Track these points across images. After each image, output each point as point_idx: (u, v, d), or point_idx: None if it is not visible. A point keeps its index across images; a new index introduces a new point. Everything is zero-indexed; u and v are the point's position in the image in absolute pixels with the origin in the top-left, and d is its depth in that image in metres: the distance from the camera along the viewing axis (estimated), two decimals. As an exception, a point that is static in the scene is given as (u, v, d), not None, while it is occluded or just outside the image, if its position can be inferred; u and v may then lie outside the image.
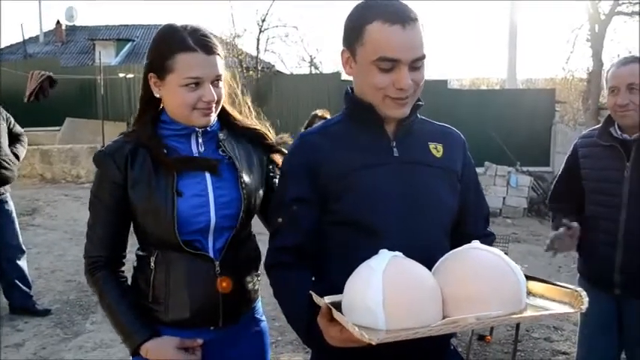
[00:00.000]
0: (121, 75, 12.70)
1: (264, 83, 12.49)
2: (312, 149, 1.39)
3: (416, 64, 1.29)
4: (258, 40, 13.30)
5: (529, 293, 1.21)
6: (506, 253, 1.23)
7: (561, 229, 2.22)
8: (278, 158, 1.68)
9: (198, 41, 1.44)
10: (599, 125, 2.29)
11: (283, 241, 1.39)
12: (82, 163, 10.75)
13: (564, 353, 3.96)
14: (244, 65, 12.69)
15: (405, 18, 1.26)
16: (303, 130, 2.97)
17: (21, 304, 4.39)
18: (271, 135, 1.69)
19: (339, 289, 1.19)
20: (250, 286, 1.63)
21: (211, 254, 1.52)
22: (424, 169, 1.38)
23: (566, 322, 4.40)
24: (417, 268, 1.16)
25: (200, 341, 1.51)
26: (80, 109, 12.86)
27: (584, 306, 1.11)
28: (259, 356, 1.69)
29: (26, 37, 22.52)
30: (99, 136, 11.18)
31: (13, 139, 4.33)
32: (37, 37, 24.04)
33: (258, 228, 1.69)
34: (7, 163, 4.15)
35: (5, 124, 4.24)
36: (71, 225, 7.22)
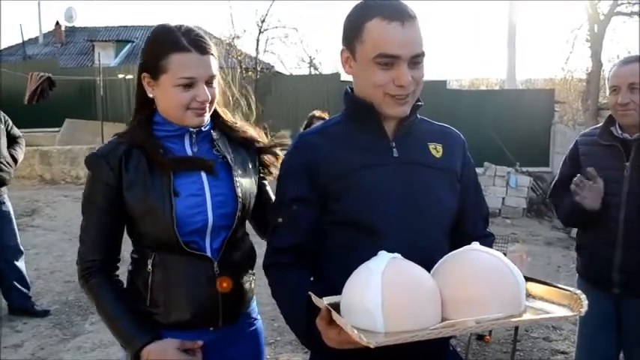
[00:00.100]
0: (121, 76, 12.70)
1: (263, 84, 12.49)
2: (311, 149, 1.39)
3: (415, 60, 1.29)
4: (257, 40, 13.30)
5: (528, 295, 1.21)
6: (505, 254, 1.23)
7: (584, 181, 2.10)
8: (269, 159, 1.68)
9: (192, 41, 1.43)
10: (600, 124, 2.29)
11: (282, 240, 1.39)
12: (82, 164, 10.65)
13: (563, 353, 3.96)
14: (244, 66, 12.68)
15: (404, 15, 1.27)
16: (302, 131, 2.97)
17: (20, 304, 4.39)
18: (263, 137, 1.68)
19: (338, 290, 1.19)
20: (247, 285, 1.63)
21: (209, 254, 1.51)
22: (424, 170, 1.38)
23: (565, 321, 4.40)
24: (415, 269, 1.16)
25: (200, 343, 1.50)
26: (79, 110, 12.86)
27: (584, 309, 1.11)
28: (256, 355, 1.69)
29: (25, 39, 22.50)
30: (98, 137, 11.18)
31: (11, 141, 4.32)
32: (36, 39, 24.03)
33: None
34: (4, 165, 4.15)
35: (3, 126, 4.23)
36: (70, 226, 7.21)
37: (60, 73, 12.69)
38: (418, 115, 1.45)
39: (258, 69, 12.79)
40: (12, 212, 4.32)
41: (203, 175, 1.51)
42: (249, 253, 1.66)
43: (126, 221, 1.52)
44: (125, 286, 1.56)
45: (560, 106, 13.14)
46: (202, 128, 1.53)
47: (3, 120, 4.26)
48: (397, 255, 1.16)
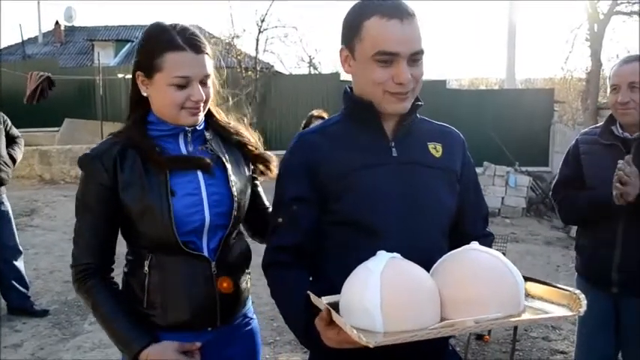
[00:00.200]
0: (120, 76, 12.68)
1: (263, 83, 12.50)
2: (311, 149, 1.39)
3: (414, 58, 1.29)
4: (257, 40, 13.29)
5: (527, 295, 1.21)
6: (504, 253, 1.23)
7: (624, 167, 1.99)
8: (261, 167, 1.67)
9: (187, 40, 1.43)
10: (601, 124, 2.29)
11: (281, 240, 1.39)
12: (81, 163, 10.70)
13: (562, 352, 3.96)
14: (243, 65, 12.68)
15: (402, 12, 1.27)
16: (301, 130, 2.97)
17: (19, 304, 4.39)
18: (255, 139, 1.68)
19: (337, 290, 1.19)
20: (244, 285, 1.63)
21: (206, 254, 1.51)
22: (423, 170, 1.38)
23: (564, 321, 4.40)
24: (414, 269, 1.15)
25: (199, 344, 1.49)
26: (79, 110, 12.85)
27: (583, 309, 1.11)
28: (252, 354, 1.70)
29: (25, 38, 22.50)
30: (98, 137, 11.14)
31: (10, 141, 4.32)
32: (35, 38, 24.04)
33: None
34: (2, 165, 4.15)
35: (2, 126, 4.23)
36: (70, 226, 7.13)
37: (59, 73, 12.68)
38: (418, 115, 1.45)
39: (258, 68, 12.79)
40: (11, 212, 4.32)
41: (199, 174, 1.51)
42: (245, 252, 1.66)
43: (121, 222, 1.50)
44: (120, 288, 1.55)
45: (560, 105, 13.14)
46: (197, 127, 1.53)
47: (2, 120, 4.25)
48: (396, 255, 1.16)
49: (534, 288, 1.23)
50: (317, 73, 15.37)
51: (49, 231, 7.16)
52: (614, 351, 2.32)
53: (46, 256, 6.05)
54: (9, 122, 4.34)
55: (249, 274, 1.67)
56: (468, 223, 1.48)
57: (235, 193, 1.53)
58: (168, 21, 1.48)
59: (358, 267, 1.17)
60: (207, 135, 1.57)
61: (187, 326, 1.50)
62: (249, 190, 1.62)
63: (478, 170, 9.42)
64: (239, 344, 1.64)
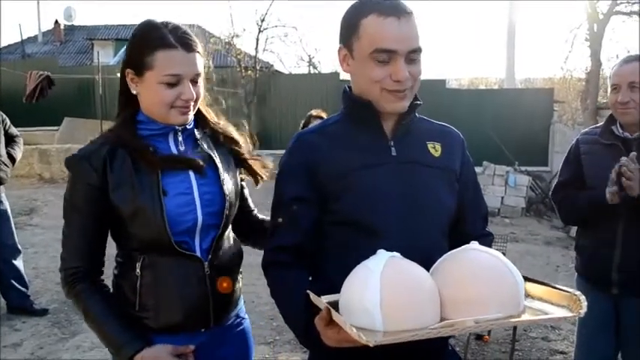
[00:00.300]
0: (120, 75, 12.66)
1: (262, 83, 12.49)
2: (310, 149, 1.38)
3: (412, 56, 1.30)
4: (257, 39, 13.27)
5: (527, 295, 1.21)
6: (504, 253, 1.23)
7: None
8: (250, 170, 1.67)
9: (179, 39, 1.41)
10: (601, 124, 2.30)
11: (281, 240, 1.39)
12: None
13: (562, 352, 3.97)
14: (243, 65, 12.67)
15: (399, 11, 1.28)
16: (300, 130, 2.97)
17: (18, 303, 4.39)
18: (244, 141, 1.67)
19: (337, 289, 1.19)
20: (236, 285, 1.62)
21: (199, 255, 1.49)
22: (423, 169, 1.38)
23: (564, 321, 4.40)
24: (414, 269, 1.15)
25: (192, 347, 1.48)
26: (79, 109, 12.83)
27: (583, 310, 1.11)
28: (245, 354, 1.69)
29: (24, 37, 22.49)
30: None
31: (9, 140, 4.32)
32: (35, 37, 24.01)
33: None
34: (1, 164, 4.14)
35: (1, 125, 4.23)
36: (69, 225, 7.19)
37: (59, 72, 12.67)
38: (417, 114, 1.45)
39: (258, 68, 12.78)
40: (9, 211, 4.32)
41: (191, 173, 1.49)
42: (237, 252, 1.65)
43: (111, 224, 1.48)
44: (111, 291, 1.53)
45: (560, 105, 13.13)
46: (187, 126, 1.51)
47: (1, 119, 4.25)
48: (396, 254, 1.16)
49: (534, 288, 1.23)
50: (316, 72, 15.38)
51: (49, 230, 7.15)
52: (614, 351, 2.32)
53: (46, 255, 6.04)
54: (8, 121, 4.34)
55: (240, 273, 1.66)
56: (468, 223, 1.48)
57: (227, 192, 1.52)
58: (160, 19, 1.46)
59: (358, 266, 1.17)
60: (197, 134, 1.55)
61: (180, 328, 1.49)
62: (238, 190, 1.62)
63: (477, 170, 9.43)
64: (232, 344, 1.63)
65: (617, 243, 2.16)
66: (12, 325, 4.21)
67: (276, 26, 13.78)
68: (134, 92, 1.47)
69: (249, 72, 12.43)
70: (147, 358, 1.40)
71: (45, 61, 16.07)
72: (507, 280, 1.14)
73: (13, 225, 4.38)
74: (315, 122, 3.55)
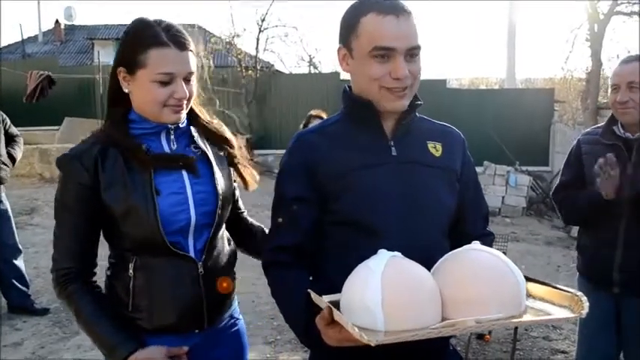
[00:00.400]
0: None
1: (263, 82, 12.49)
2: (310, 149, 1.38)
3: (411, 53, 1.30)
4: (257, 39, 13.26)
5: (529, 295, 1.21)
6: (505, 253, 1.23)
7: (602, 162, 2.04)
8: (235, 174, 1.65)
9: (172, 37, 1.40)
10: (603, 124, 2.30)
11: (281, 240, 1.39)
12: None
13: (563, 352, 3.96)
14: (243, 65, 12.67)
15: (398, 9, 1.28)
16: (301, 130, 2.97)
17: (19, 303, 4.39)
18: (237, 142, 1.65)
19: (337, 289, 1.19)
20: (229, 285, 1.60)
21: (192, 255, 1.48)
22: (423, 169, 1.38)
23: (565, 321, 4.40)
24: (415, 268, 1.15)
25: (186, 348, 1.46)
26: (79, 109, 12.82)
27: (585, 311, 1.11)
28: (240, 355, 1.68)
29: (25, 37, 22.48)
30: (98, 136, 11.14)
31: (9, 140, 4.31)
32: (35, 37, 24.03)
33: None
34: (1, 163, 4.14)
35: (1, 125, 4.22)
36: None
37: (59, 72, 12.66)
38: (417, 114, 1.45)
39: (258, 67, 12.77)
40: (10, 211, 4.32)
41: (184, 172, 1.48)
42: (231, 252, 1.63)
43: (103, 224, 1.46)
44: (103, 291, 1.51)
45: (560, 105, 13.13)
46: (180, 125, 1.50)
47: (1, 119, 4.25)
48: (397, 253, 1.16)
49: (536, 289, 1.23)
50: (317, 72, 15.36)
51: (49, 229, 7.04)
52: (615, 351, 2.32)
53: (46, 255, 6.02)
54: (8, 121, 4.34)
55: (234, 274, 1.65)
56: (469, 223, 1.48)
57: (220, 192, 1.51)
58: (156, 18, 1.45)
59: (359, 266, 1.17)
60: (193, 132, 1.54)
61: (174, 329, 1.47)
62: (232, 190, 1.60)
63: (478, 170, 9.41)
64: (226, 345, 1.61)
65: (619, 243, 2.16)
66: (13, 324, 4.22)
67: (276, 26, 13.77)
68: (126, 91, 1.45)
69: (250, 72, 12.43)
70: None
71: (45, 60, 16.07)
72: (508, 280, 1.14)
73: (13, 225, 4.38)
74: (315, 122, 3.55)
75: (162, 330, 1.46)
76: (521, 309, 1.14)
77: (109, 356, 1.42)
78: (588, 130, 2.42)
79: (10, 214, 4.33)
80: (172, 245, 1.43)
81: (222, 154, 1.60)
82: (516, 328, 3.56)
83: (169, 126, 1.48)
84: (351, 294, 1.14)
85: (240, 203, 1.76)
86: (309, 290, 1.19)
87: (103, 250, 1.52)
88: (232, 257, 1.64)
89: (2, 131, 4.21)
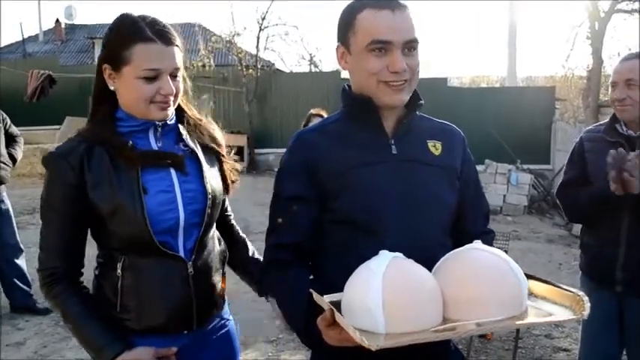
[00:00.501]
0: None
1: (263, 81, 12.49)
2: (310, 147, 1.38)
3: (409, 46, 1.30)
4: (258, 38, 13.26)
5: (531, 294, 1.21)
6: (506, 251, 1.23)
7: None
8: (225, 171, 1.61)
9: (157, 32, 1.37)
10: (606, 121, 2.30)
11: (281, 238, 1.39)
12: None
13: (565, 350, 3.96)
14: (244, 63, 12.67)
15: (393, 3, 1.29)
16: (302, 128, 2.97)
17: (21, 303, 4.39)
18: (224, 142, 1.62)
19: (337, 288, 1.19)
20: (220, 285, 1.58)
21: (182, 255, 1.45)
22: (423, 168, 1.38)
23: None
24: (416, 269, 1.15)
25: (175, 349, 1.44)
26: (80, 108, 12.74)
27: (586, 312, 1.10)
28: (230, 357, 1.65)
29: (25, 36, 22.48)
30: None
31: (10, 139, 4.31)
32: (36, 36, 24.02)
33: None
34: (2, 163, 4.14)
35: (1, 125, 4.22)
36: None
37: (60, 71, 12.67)
38: (417, 113, 1.45)
39: (259, 66, 12.77)
40: (11, 210, 4.32)
41: (172, 170, 1.45)
42: (222, 252, 1.61)
43: (91, 223, 1.43)
44: (91, 292, 1.48)
45: (561, 103, 13.12)
46: (168, 121, 1.47)
47: (1, 119, 4.24)
48: (398, 254, 1.16)
49: (538, 287, 1.23)
50: (318, 71, 15.37)
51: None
52: (618, 350, 2.32)
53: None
54: (8, 121, 4.33)
55: (224, 274, 1.62)
56: (469, 221, 1.47)
57: (209, 190, 1.48)
58: (136, 13, 1.42)
59: (360, 267, 1.17)
60: (182, 129, 1.52)
61: (163, 330, 1.45)
62: (222, 188, 1.57)
63: (480, 168, 9.42)
64: (216, 347, 1.59)
65: (622, 241, 2.15)
66: (15, 324, 4.22)
67: (277, 25, 13.77)
68: (112, 88, 1.42)
69: (251, 70, 12.43)
70: None
71: (46, 60, 16.09)
72: (510, 280, 1.14)
73: (15, 224, 4.38)
74: (316, 121, 3.55)
75: (150, 331, 1.44)
76: (522, 309, 1.14)
77: (96, 358, 1.40)
78: (591, 127, 2.42)
79: (12, 214, 4.33)
80: (161, 245, 1.40)
81: (211, 152, 1.57)
82: (518, 326, 3.56)
83: (157, 123, 1.45)
84: (352, 295, 1.14)
85: (228, 205, 1.74)
86: (311, 290, 1.19)
87: (91, 249, 1.49)
88: (223, 257, 1.62)
89: (2, 131, 4.21)
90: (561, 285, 1.20)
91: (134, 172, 1.39)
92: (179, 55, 1.41)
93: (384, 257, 1.14)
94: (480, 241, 1.22)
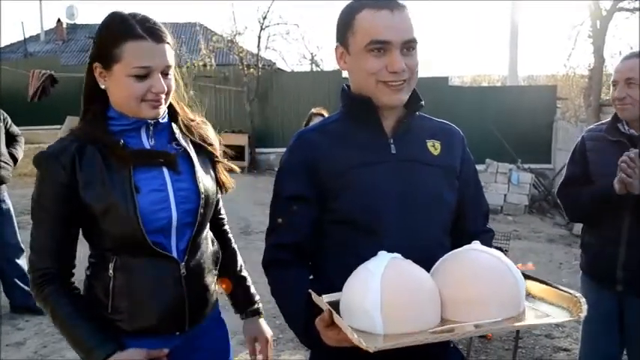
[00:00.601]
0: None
1: (264, 80, 12.48)
2: (310, 147, 1.38)
3: (408, 46, 1.30)
4: (259, 37, 13.25)
5: (528, 294, 1.21)
6: (507, 251, 1.22)
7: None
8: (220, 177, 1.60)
9: (148, 29, 1.35)
10: (607, 120, 2.29)
11: (281, 238, 1.39)
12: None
13: (565, 350, 3.96)
14: (245, 63, 12.66)
15: (392, 3, 1.29)
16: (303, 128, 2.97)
17: (21, 302, 4.38)
18: (217, 142, 1.61)
19: (337, 288, 1.19)
20: (212, 286, 1.56)
21: (175, 255, 1.44)
22: (422, 167, 1.38)
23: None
24: (415, 270, 1.15)
25: (166, 351, 1.43)
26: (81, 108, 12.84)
27: (583, 314, 1.10)
28: (222, 358, 1.64)
29: (27, 36, 22.49)
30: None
31: (11, 139, 4.31)
32: (37, 36, 24.02)
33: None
34: (3, 163, 4.14)
35: (2, 124, 4.22)
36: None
37: (61, 71, 12.67)
38: (417, 113, 1.45)
39: (260, 66, 12.76)
40: (12, 210, 4.32)
41: (165, 169, 1.43)
42: (215, 253, 1.60)
43: (83, 223, 1.42)
44: (82, 292, 1.47)
45: (562, 102, 13.09)
46: (160, 120, 1.45)
47: (2, 118, 4.24)
48: (397, 255, 1.16)
49: (535, 288, 1.23)
50: (319, 70, 15.36)
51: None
52: (618, 349, 2.31)
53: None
54: (9, 120, 4.33)
55: (217, 275, 1.61)
56: (468, 220, 1.48)
57: (202, 190, 1.47)
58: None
59: (359, 267, 1.17)
60: (175, 128, 1.50)
61: (155, 331, 1.43)
62: (215, 188, 1.56)
63: (480, 167, 9.41)
64: (207, 349, 1.58)
65: (622, 240, 2.15)
66: (15, 324, 4.22)
67: (278, 24, 13.75)
68: (103, 87, 1.41)
69: (252, 70, 12.42)
70: None
71: (47, 59, 16.07)
72: (508, 281, 1.14)
73: (16, 224, 4.38)
74: (317, 120, 3.55)
75: (142, 332, 1.42)
76: (520, 309, 1.14)
77: (87, 359, 1.38)
78: (592, 126, 2.41)
79: (13, 214, 4.33)
80: (154, 245, 1.39)
81: (204, 152, 1.56)
82: (518, 326, 3.54)
83: (149, 121, 1.43)
84: (351, 296, 1.14)
85: (222, 207, 1.72)
86: (310, 290, 1.19)
87: (83, 249, 1.47)
88: (216, 257, 1.60)
89: (2, 130, 4.21)
90: (559, 286, 1.20)
91: (126, 171, 1.38)
92: (170, 53, 1.40)
93: (383, 258, 1.14)
94: (478, 241, 1.22)
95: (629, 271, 2.15)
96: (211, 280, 1.56)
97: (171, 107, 1.50)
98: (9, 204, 4.27)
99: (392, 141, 1.37)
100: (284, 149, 1.47)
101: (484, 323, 1.08)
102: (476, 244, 1.20)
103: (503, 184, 9.60)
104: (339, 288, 1.18)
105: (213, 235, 1.67)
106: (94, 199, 1.36)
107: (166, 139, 1.49)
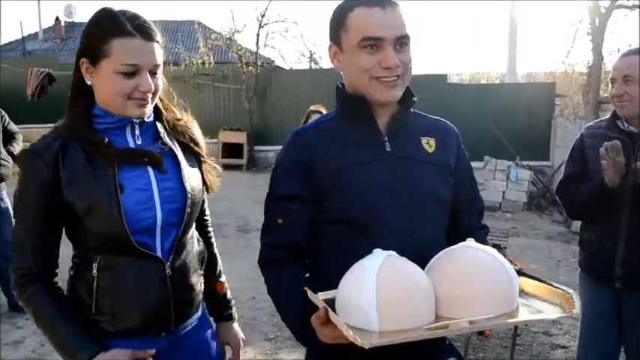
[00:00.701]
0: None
1: (263, 78, 12.47)
2: (306, 145, 1.39)
3: (401, 43, 1.30)
4: (257, 35, 13.23)
5: (522, 291, 1.21)
6: (505, 248, 1.22)
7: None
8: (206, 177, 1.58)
9: (137, 27, 1.33)
10: (606, 117, 2.30)
11: (277, 237, 1.39)
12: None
13: (563, 347, 3.96)
14: (244, 60, 12.65)
15: (384, 1, 1.30)
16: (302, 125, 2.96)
17: (20, 301, 4.38)
18: (203, 142, 1.59)
19: (334, 287, 1.19)
20: (198, 287, 1.54)
21: (160, 255, 1.42)
22: (417, 165, 1.38)
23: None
24: (410, 267, 1.16)
25: (152, 351, 1.40)
26: (79, 106, 12.82)
27: (576, 310, 1.11)
28: (209, 358, 1.62)
29: (25, 34, 22.43)
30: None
31: (9, 137, 4.30)
32: (36, 34, 23.99)
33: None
34: (2, 160, 4.13)
35: (0, 122, 4.21)
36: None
37: (60, 69, 12.63)
38: (411, 109, 1.45)
39: (259, 63, 12.75)
40: (11, 208, 4.31)
41: (149, 168, 1.41)
42: (200, 252, 1.58)
43: (66, 222, 1.39)
44: (65, 292, 1.44)
45: (561, 99, 13.09)
46: (146, 119, 1.44)
47: (0, 116, 4.24)
48: (392, 253, 1.16)
49: (529, 285, 1.24)
50: (318, 68, 15.34)
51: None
52: (616, 346, 2.32)
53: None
54: (7, 118, 4.31)
55: (202, 275, 1.59)
56: (463, 217, 1.48)
57: (188, 189, 1.45)
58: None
59: (354, 265, 1.17)
60: (160, 127, 1.48)
61: (139, 332, 1.40)
62: (201, 188, 1.54)
63: (479, 165, 9.40)
64: (193, 350, 1.56)
65: (621, 237, 2.15)
66: (14, 322, 4.22)
67: (276, 21, 13.73)
68: (89, 83, 1.38)
69: (250, 68, 12.41)
70: None
71: (46, 58, 16.06)
72: (502, 278, 1.14)
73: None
74: (315, 117, 3.54)
75: (126, 333, 1.40)
76: (513, 306, 1.15)
77: None
78: (591, 123, 2.42)
79: (11, 212, 4.32)
80: (138, 244, 1.36)
81: (190, 152, 1.54)
82: (516, 323, 3.55)
83: (134, 120, 1.41)
84: (347, 293, 1.14)
85: (207, 208, 1.70)
86: (305, 288, 1.19)
87: (66, 249, 1.45)
88: (201, 257, 1.58)
89: (0, 128, 4.19)
90: (552, 282, 1.21)
91: (110, 170, 1.35)
92: (159, 52, 1.38)
93: (378, 256, 1.15)
94: (472, 239, 1.23)
95: (627, 268, 2.16)
96: (197, 279, 1.54)
97: (156, 106, 1.48)
98: (7, 202, 4.26)
99: (386, 139, 1.37)
100: (283, 147, 1.47)
101: (478, 319, 1.09)
102: (470, 242, 1.21)
103: (502, 181, 9.60)
104: (336, 286, 1.18)
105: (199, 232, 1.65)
106: (78, 196, 1.33)
107: (152, 138, 1.47)
